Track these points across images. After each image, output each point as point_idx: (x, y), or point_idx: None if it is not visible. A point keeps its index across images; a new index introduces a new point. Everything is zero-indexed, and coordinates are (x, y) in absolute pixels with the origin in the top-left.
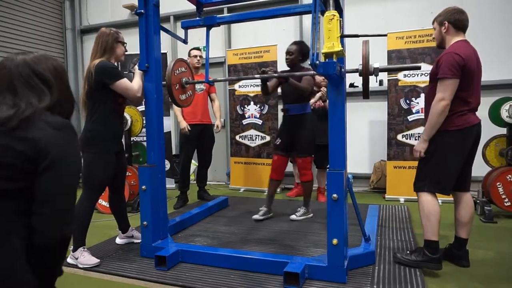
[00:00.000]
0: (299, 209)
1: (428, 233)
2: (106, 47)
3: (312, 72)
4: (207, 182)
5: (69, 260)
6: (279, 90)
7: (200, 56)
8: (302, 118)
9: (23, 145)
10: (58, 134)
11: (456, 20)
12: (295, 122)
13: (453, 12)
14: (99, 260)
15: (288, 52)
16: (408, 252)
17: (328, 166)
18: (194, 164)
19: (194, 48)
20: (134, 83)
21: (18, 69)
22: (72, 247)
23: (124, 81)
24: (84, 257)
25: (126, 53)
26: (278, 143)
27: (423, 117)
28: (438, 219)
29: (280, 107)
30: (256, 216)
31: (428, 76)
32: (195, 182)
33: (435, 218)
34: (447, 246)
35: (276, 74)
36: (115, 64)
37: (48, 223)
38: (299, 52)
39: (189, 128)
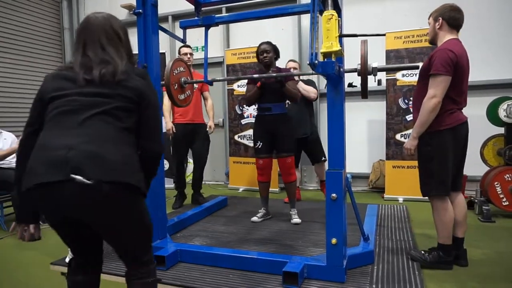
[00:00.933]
0: (293, 210)
1: (443, 238)
2: None
3: (297, 71)
4: (206, 182)
5: (67, 260)
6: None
7: (191, 54)
8: (285, 117)
9: (130, 92)
10: (145, 82)
11: (450, 18)
12: (277, 121)
13: (449, 9)
14: None
15: (265, 51)
16: (423, 252)
17: (323, 158)
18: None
19: (184, 46)
20: None
21: (104, 27)
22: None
23: None
24: None
25: None
26: (260, 146)
27: None
28: (452, 224)
29: None
30: (254, 218)
31: (419, 72)
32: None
33: (450, 224)
34: None
35: (274, 74)
36: None
37: (154, 142)
38: (274, 51)
39: (174, 130)
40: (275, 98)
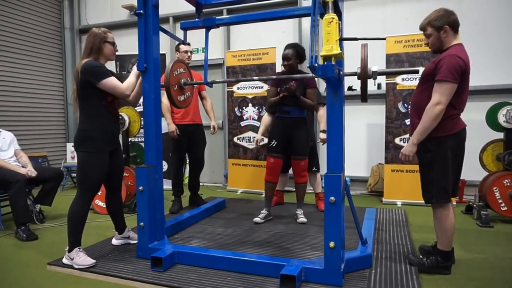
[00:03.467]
0: (299, 210)
1: (443, 244)
2: (93, 47)
3: (311, 75)
4: (205, 184)
5: (64, 260)
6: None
7: (191, 52)
8: (302, 121)
9: None
10: None
11: (453, 22)
12: (295, 125)
13: (449, 14)
14: (94, 261)
15: (286, 58)
16: (421, 256)
17: (314, 169)
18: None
19: (182, 44)
20: (125, 82)
21: None
22: (67, 247)
23: (111, 80)
24: (80, 258)
25: (117, 52)
26: (274, 145)
27: None
28: (453, 232)
29: None
30: (257, 219)
31: (420, 75)
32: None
33: (450, 232)
34: (433, 244)
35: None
36: (104, 63)
37: None
38: (296, 56)
39: (178, 132)
40: (293, 102)
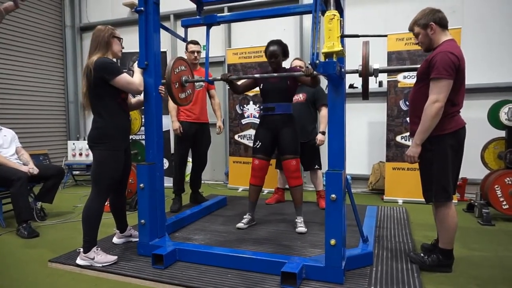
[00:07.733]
0: (299, 218)
1: (445, 243)
2: (100, 42)
3: (298, 72)
4: (206, 181)
5: (80, 262)
6: (244, 88)
7: (198, 52)
8: (289, 118)
9: None
10: None
11: (440, 19)
12: (282, 122)
13: (435, 12)
14: (116, 257)
15: (274, 55)
16: (422, 254)
17: (316, 166)
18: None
19: (192, 42)
20: (135, 77)
21: None
22: (81, 248)
23: (125, 76)
24: (101, 256)
25: (123, 49)
26: (258, 146)
27: None
28: (455, 230)
29: None
30: (240, 225)
31: (416, 74)
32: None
33: (453, 231)
34: (433, 241)
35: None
36: (114, 60)
37: None
38: (282, 53)
39: (182, 130)
40: (279, 98)
